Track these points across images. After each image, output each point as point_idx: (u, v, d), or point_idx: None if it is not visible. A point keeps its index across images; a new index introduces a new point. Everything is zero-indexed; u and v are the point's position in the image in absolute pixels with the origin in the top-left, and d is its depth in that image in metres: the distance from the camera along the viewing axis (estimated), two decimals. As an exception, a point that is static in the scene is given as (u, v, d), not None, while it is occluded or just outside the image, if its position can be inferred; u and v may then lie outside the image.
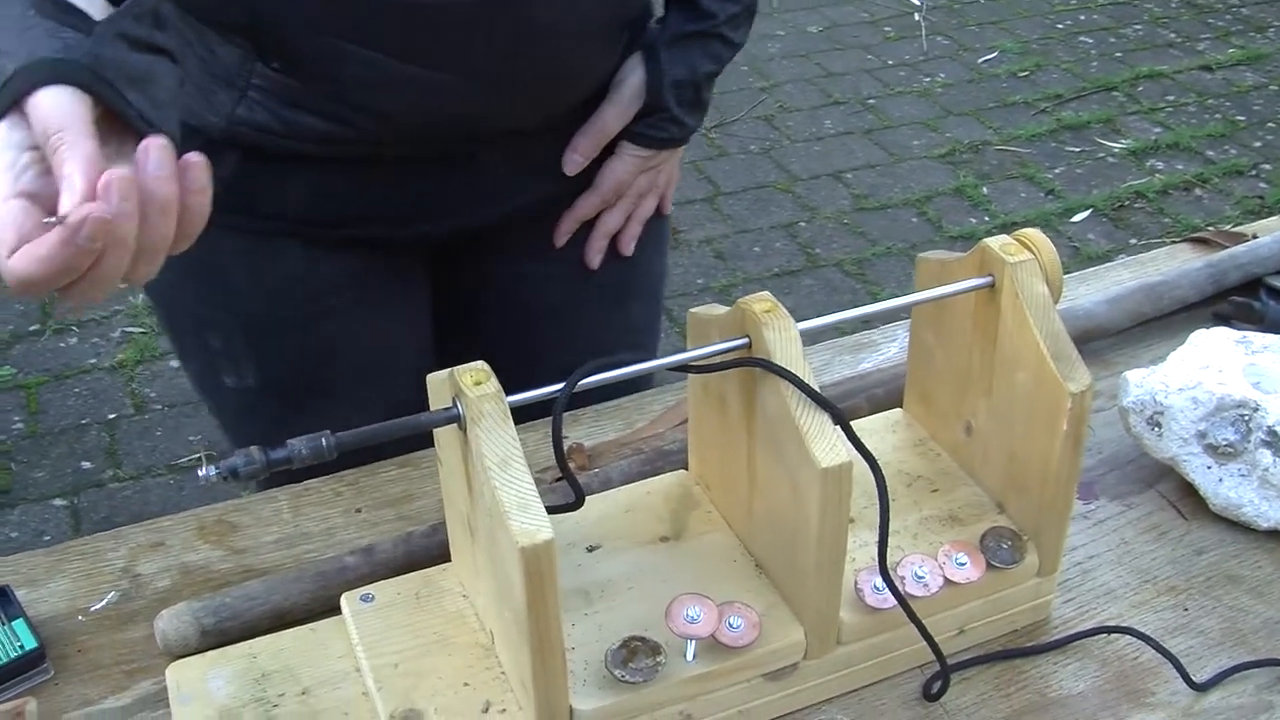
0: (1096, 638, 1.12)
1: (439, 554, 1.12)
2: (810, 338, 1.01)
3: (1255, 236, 1.63)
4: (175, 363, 3.53)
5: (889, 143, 4.82)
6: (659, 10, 1.47)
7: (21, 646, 1.07)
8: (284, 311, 1.43)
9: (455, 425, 0.91)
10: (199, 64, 1.28)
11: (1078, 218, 4.34)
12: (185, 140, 1.32)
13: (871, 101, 5.13)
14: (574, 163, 1.48)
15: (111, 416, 3.38)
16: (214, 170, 1.32)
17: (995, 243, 1.05)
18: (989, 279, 1.05)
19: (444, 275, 1.56)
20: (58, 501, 3.10)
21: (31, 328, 3.70)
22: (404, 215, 1.41)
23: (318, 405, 1.46)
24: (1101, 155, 4.74)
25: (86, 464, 3.22)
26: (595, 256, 1.54)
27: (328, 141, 1.29)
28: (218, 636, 1.08)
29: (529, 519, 0.84)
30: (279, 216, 1.38)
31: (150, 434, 3.30)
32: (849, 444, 0.93)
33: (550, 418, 0.93)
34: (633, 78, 1.45)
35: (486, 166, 1.39)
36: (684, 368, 1.00)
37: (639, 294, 1.63)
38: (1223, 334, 1.30)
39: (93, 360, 3.58)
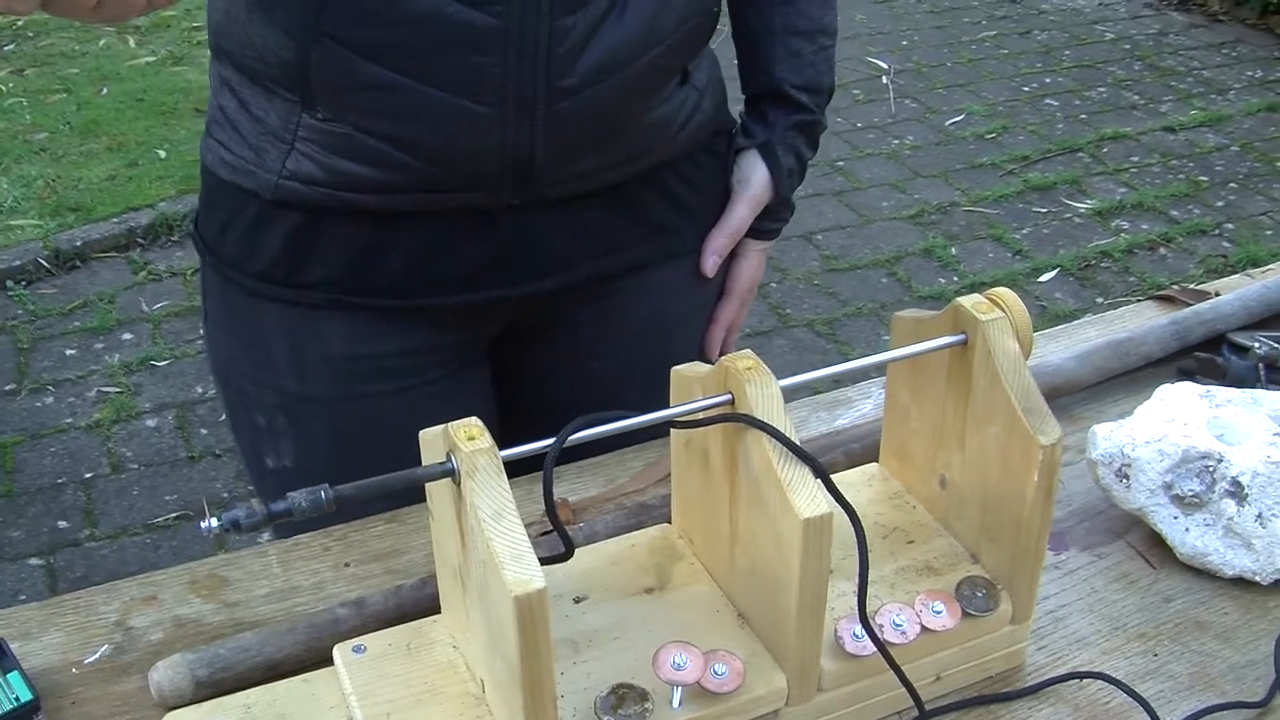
0: (1069, 683, 1.14)
1: (429, 606, 1.14)
2: (788, 395, 1.03)
3: (1218, 294, 1.66)
4: (151, 422, 3.55)
5: (858, 204, 4.86)
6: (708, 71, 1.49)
7: (17, 699, 1.08)
8: (321, 392, 1.44)
9: (449, 479, 0.93)
10: (254, 124, 1.32)
11: (1045, 277, 4.39)
12: (241, 206, 1.34)
13: (841, 164, 5.19)
14: (711, 263, 1.53)
15: (88, 476, 3.39)
16: (268, 236, 1.34)
17: (968, 301, 1.08)
18: (962, 336, 1.08)
19: (510, 367, 1.56)
20: (34, 561, 3.11)
21: (8, 386, 3.72)
22: (454, 280, 1.40)
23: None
24: (1068, 216, 4.80)
25: (63, 523, 3.22)
26: (718, 349, 1.62)
27: (374, 189, 1.31)
28: (212, 688, 1.09)
29: (522, 569, 0.86)
30: (325, 285, 1.38)
31: (127, 493, 3.31)
32: (829, 496, 0.96)
33: (536, 472, 0.95)
34: (757, 176, 1.52)
35: (541, 229, 1.38)
36: (670, 423, 1.02)
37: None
38: (1187, 389, 1.33)
39: (69, 419, 3.59)
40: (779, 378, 1.02)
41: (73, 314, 4.11)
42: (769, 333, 4.04)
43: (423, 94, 1.24)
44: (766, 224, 1.57)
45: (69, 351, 3.91)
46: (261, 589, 1.25)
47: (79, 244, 4.41)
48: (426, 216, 1.35)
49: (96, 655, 1.17)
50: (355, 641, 1.09)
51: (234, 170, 1.36)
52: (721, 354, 1.58)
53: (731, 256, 1.57)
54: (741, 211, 1.53)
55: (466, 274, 1.39)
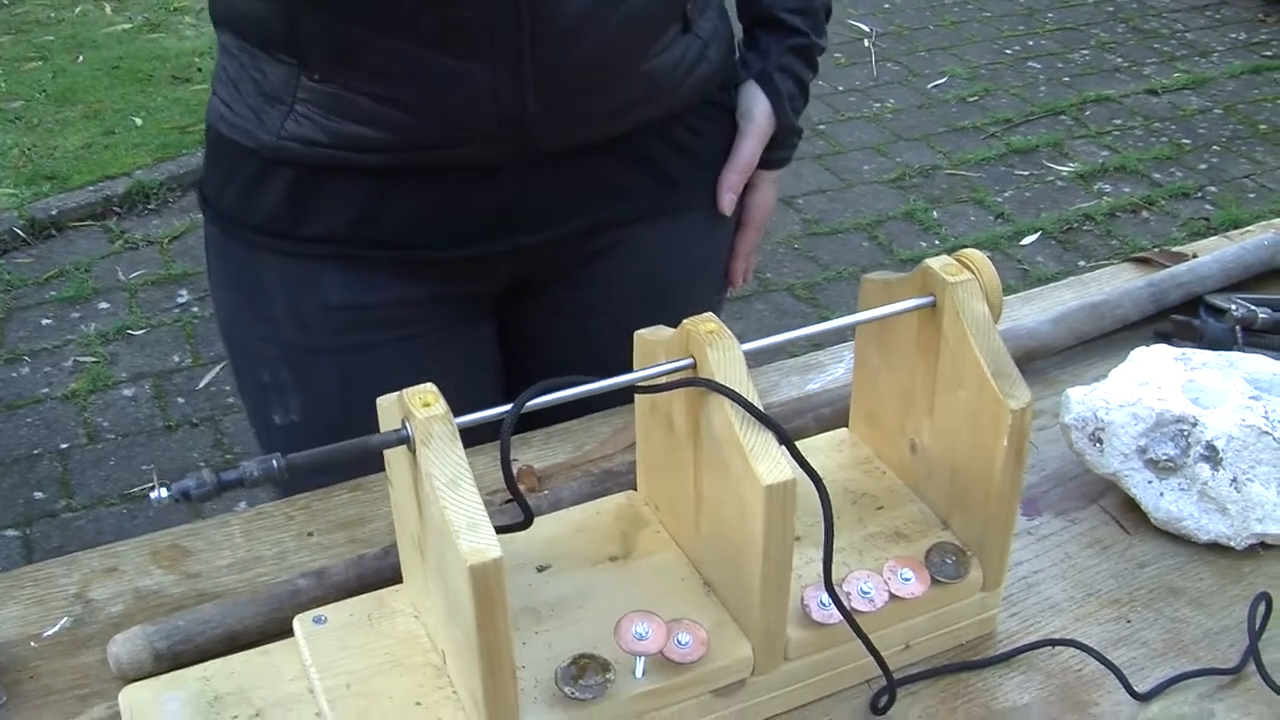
0: (1041, 650, 1.13)
1: (391, 576, 1.13)
2: (758, 359, 1.02)
3: (1195, 256, 1.65)
4: (128, 391, 3.53)
5: (839, 168, 4.85)
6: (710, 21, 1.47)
7: (-26, 673, 1.07)
8: (322, 341, 1.44)
9: (405, 447, 0.91)
10: (253, 85, 1.32)
11: (1027, 241, 4.38)
12: (240, 162, 1.34)
13: (822, 127, 5.17)
14: (728, 201, 1.53)
15: (64, 446, 3.37)
16: (267, 191, 1.34)
17: (936, 263, 1.06)
18: (930, 299, 1.06)
19: (512, 325, 1.56)
20: (10, 532, 3.09)
21: (-18, 358, 3.70)
22: (454, 233, 1.39)
23: None
24: (1050, 179, 4.79)
25: (39, 494, 3.21)
26: (740, 278, 1.65)
27: (374, 149, 1.30)
28: (171, 660, 1.08)
29: (477, 538, 0.85)
30: (326, 239, 1.38)
31: (103, 464, 3.30)
32: (793, 462, 0.95)
33: (500, 435, 0.93)
34: (758, 107, 1.51)
35: (543, 181, 1.38)
36: (632, 388, 1.01)
37: None
38: (1162, 351, 1.32)
39: (45, 390, 3.57)
40: (754, 340, 1.00)
41: (49, 283, 4.08)
42: (749, 297, 4.03)
43: (410, 53, 1.23)
44: (776, 153, 1.56)
45: (45, 321, 3.89)
46: (224, 559, 1.24)
47: (54, 213, 4.39)
48: (427, 173, 1.34)
49: (56, 628, 1.16)
50: (316, 612, 1.08)
51: (234, 128, 1.36)
52: (743, 282, 1.63)
53: (745, 188, 1.56)
54: (750, 146, 1.52)
55: (468, 228, 1.39)
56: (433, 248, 1.39)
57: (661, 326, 1.05)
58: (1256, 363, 1.30)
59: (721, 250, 1.62)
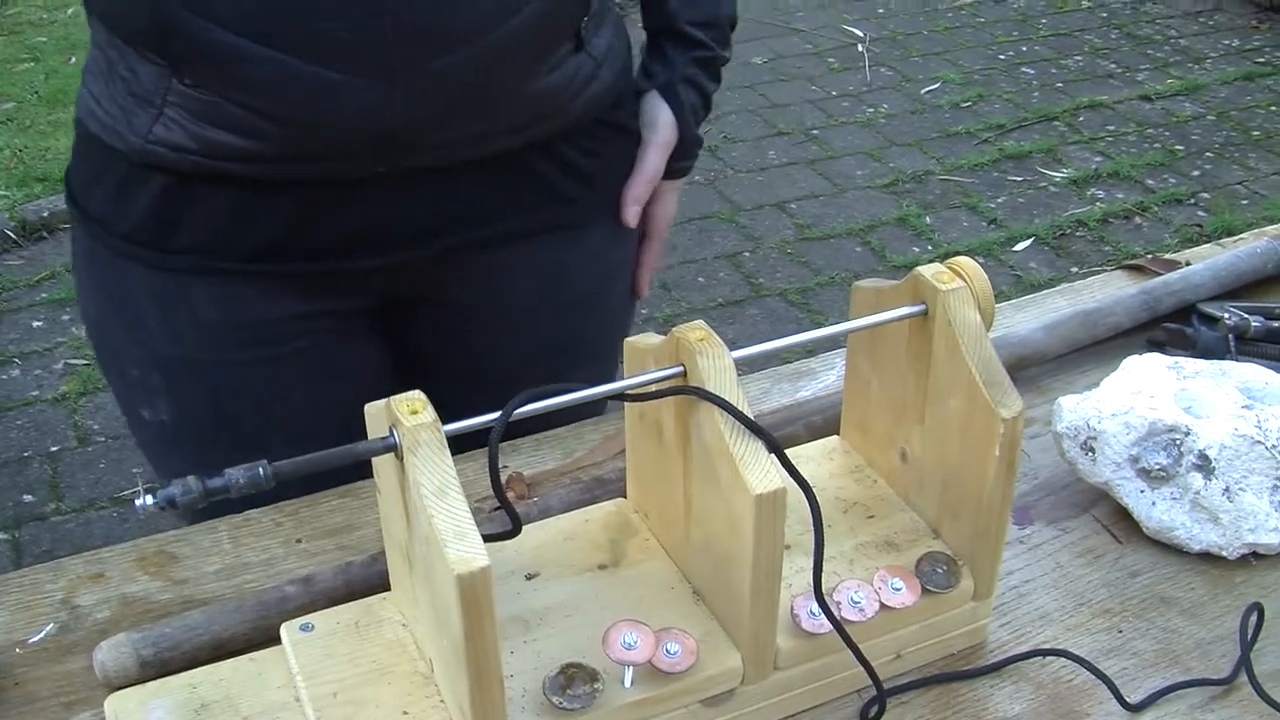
0: (1032, 660, 1.12)
1: (379, 583, 1.12)
2: (749, 366, 1.01)
3: (1189, 264, 1.65)
4: (118, 395, 3.51)
5: (832, 173, 4.85)
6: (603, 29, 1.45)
7: (-42, 680, 1.07)
8: (195, 355, 1.41)
9: (392, 454, 0.91)
10: (122, 84, 1.28)
11: (1020, 247, 4.38)
12: (108, 163, 1.32)
13: (815, 132, 5.17)
14: (633, 213, 1.52)
15: (54, 449, 3.36)
16: (134, 197, 1.32)
17: (928, 271, 1.06)
18: (922, 307, 1.06)
19: (409, 341, 1.54)
20: (-1, 535, 3.09)
21: (-28, 360, 3.69)
22: (322, 247, 1.36)
23: (235, 456, 1.44)
24: (1043, 185, 4.79)
25: (28, 497, 3.20)
26: (645, 289, 1.64)
27: (243, 159, 1.27)
28: (157, 667, 1.07)
29: (465, 547, 0.84)
30: (194, 250, 1.34)
31: (93, 466, 3.29)
32: (783, 470, 0.94)
33: (489, 443, 0.93)
34: (662, 118, 1.51)
35: (414, 198, 1.35)
36: (620, 396, 1.00)
37: (584, 357, 1.61)
38: (1155, 360, 1.31)
39: (35, 392, 3.56)
40: (745, 348, 1.00)
41: (40, 285, 4.07)
42: (742, 302, 4.03)
43: (281, 62, 1.20)
44: (678, 163, 1.55)
45: (35, 323, 3.88)
46: (211, 566, 1.23)
47: (46, 215, 4.37)
48: (295, 184, 1.31)
49: (41, 634, 1.15)
50: (303, 620, 1.07)
51: (103, 126, 1.32)
52: (645, 289, 1.64)
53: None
54: (654, 157, 1.51)
55: (336, 242, 1.36)
56: (301, 261, 1.36)
57: (651, 334, 1.05)
58: (1249, 371, 1.30)
59: (627, 264, 1.60)
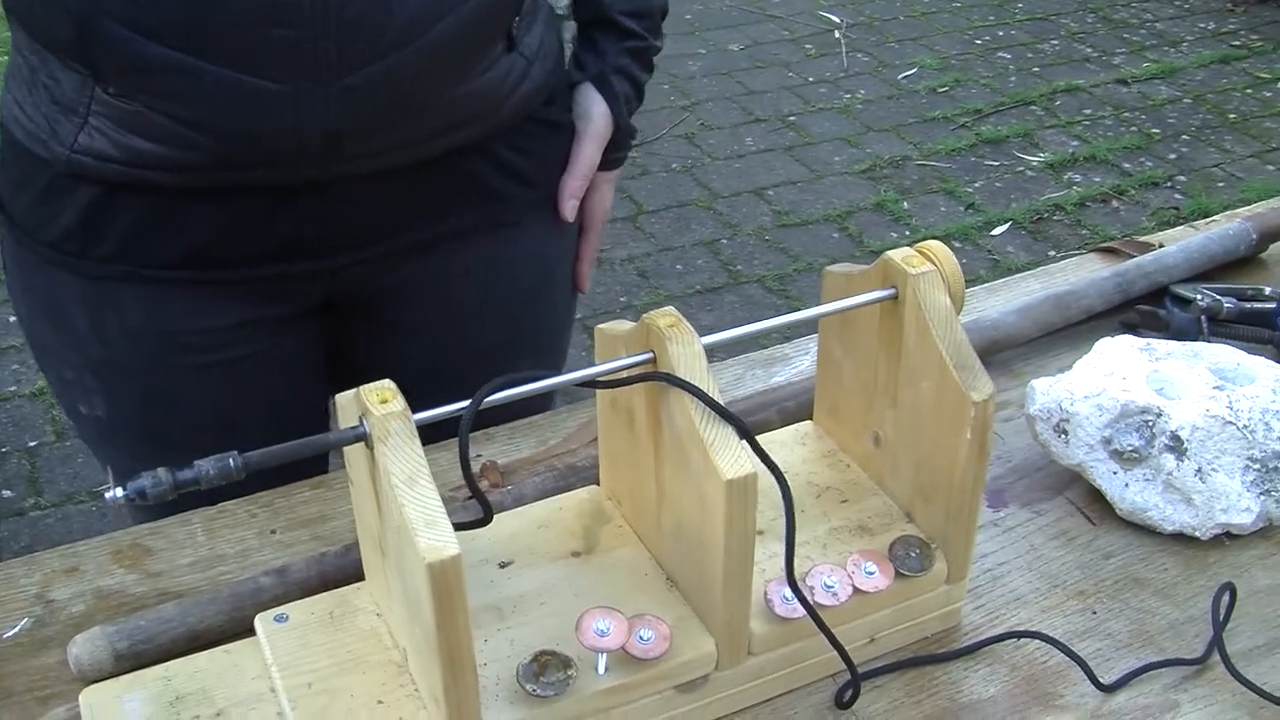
0: (1006, 643, 1.13)
1: (353, 573, 1.12)
2: (723, 352, 1.02)
3: (1162, 245, 1.65)
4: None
5: (810, 159, 4.85)
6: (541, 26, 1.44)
7: (-68, 675, 1.07)
8: (126, 360, 1.40)
9: (363, 444, 0.91)
10: (45, 92, 1.26)
11: (997, 231, 4.38)
12: (34, 171, 1.31)
13: (792, 118, 5.17)
14: (570, 207, 1.51)
15: (32, 444, 3.35)
16: (61, 207, 1.31)
17: (897, 255, 1.06)
18: (892, 291, 1.06)
19: (349, 344, 1.53)
20: (-23, 531, 3.08)
21: (-50, 356, 3.67)
22: (255, 253, 1.34)
23: (168, 450, 1.43)
24: (1020, 169, 4.79)
25: (7, 492, 3.19)
26: (586, 282, 1.63)
27: (170, 168, 1.25)
28: (132, 660, 1.07)
29: (436, 535, 0.84)
30: (122, 259, 1.33)
31: (72, 461, 3.28)
32: (754, 456, 0.94)
33: (459, 432, 0.93)
34: (596, 109, 1.50)
35: (348, 204, 1.33)
36: (591, 383, 1.00)
37: (529, 352, 1.61)
38: (1127, 342, 1.32)
39: (13, 388, 3.55)
40: (715, 333, 1.00)
41: (16, 279, 4.05)
42: (720, 289, 4.03)
43: (210, 72, 1.18)
44: (613, 154, 1.55)
45: (11, 318, 3.86)
46: (186, 558, 1.23)
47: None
48: (226, 192, 1.29)
49: (15, 629, 1.15)
50: (277, 610, 1.07)
51: (28, 134, 1.30)
52: (585, 281, 1.64)
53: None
54: (589, 149, 1.50)
55: (268, 249, 1.34)
56: (233, 268, 1.35)
57: (623, 320, 1.05)
58: (1221, 353, 1.30)
59: (567, 257, 1.60)
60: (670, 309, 0.99)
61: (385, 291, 1.46)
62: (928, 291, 1.04)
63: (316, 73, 1.20)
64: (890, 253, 1.06)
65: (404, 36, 1.22)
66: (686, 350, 0.96)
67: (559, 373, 0.97)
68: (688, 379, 0.95)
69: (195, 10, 1.15)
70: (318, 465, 1.33)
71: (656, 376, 0.97)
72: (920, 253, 1.06)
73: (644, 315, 0.98)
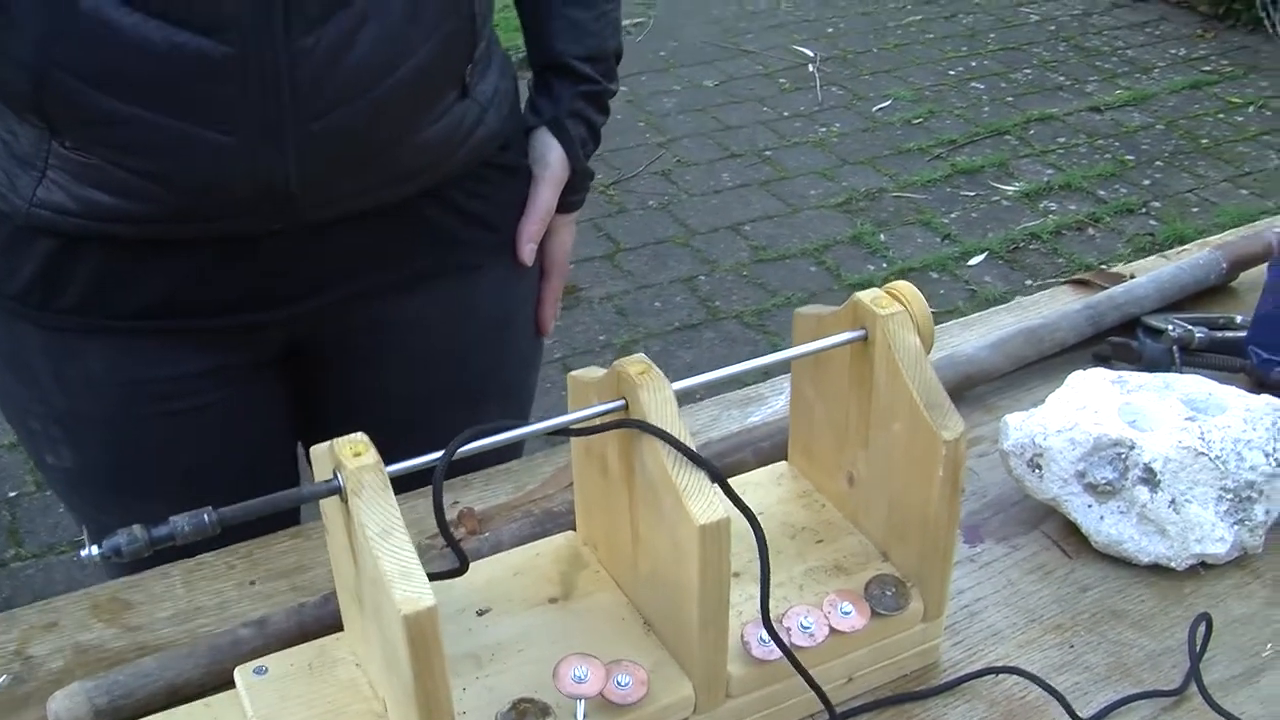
0: (985, 678, 1.13)
1: (332, 624, 1.12)
2: (690, 395, 1.02)
3: (1133, 276, 1.66)
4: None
5: (786, 193, 4.86)
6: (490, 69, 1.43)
7: (-88, 735, 1.06)
8: (91, 412, 1.41)
9: (337, 497, 0.91)
10: (3, 146, 1.27)
11: (974, 261, 4.40)
12: None
13: (768, 153, 5.19)
14: (528, 251, 1.51)
15: (12, 494, 3.34)
16: (21, 260, 1.30)
17: (867, 296, 1.07)
18: (862, 332, 1.07)
19: (308, 389, 1.53)
20: (-42, 583, 3.07)
21: (-71, 408, 3.66)
22: (215, 302, 1.35)
23: (137, 499, 1.44)
24: (996, 198, 4.81)
25: (-12, 543, 3.19)
26: (550, 325, 1.64)
27: (130, 220, 1.26)
28: (112, 715, 1.07)
29: (411, 587, 0.85)
30: (84, 311, 1.33)
31: (52, 511, 3.27)
32: (727, 500, 0.95)
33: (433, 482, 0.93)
34: (552, 154, 1.51)
35: (306, 252, 1.34)
36: (563, 431, 1.01)
37: (494, 395, 1.60)
38: (1099, 375, 1.32)
39: (-8, 439, 3.54)
40: (701, 373, 1.01)
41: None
42: (698, 325, 4.03)
43: (165, 126, 1.19)
44: (570, 197, 1.56)
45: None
46: (165, 611, 1.23)
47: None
48: (185, 244, 1.30)
49: (-5, 686, 1.15)
50: (257, 663, 1.07)
51: None
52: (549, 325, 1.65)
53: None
54: (546, 193, 1.51)
55: (230, 298, 1.35)
56: (196, 316, 1.36)
57: (594, 368, 1.05)
58: (1192, 384, 1.31)
59: (528, 300, 1.60)
60: (640, 356, 1.00)
61: (347, 336, 1.46)
62: (897, 332, 1.05)
63: (268, 126, 1.21)
64: (859, 294, 1.07)
65: (356, 88, 1.23)
66: (657, 397, 0.96)
67: (527, 417, 0.98)
68: (659, 425, 0.95)
69: (142, 64, 1.16)
70: (291, 514, 1.33)
71: (628, 424, 0.97)
72: (889, 293, 1.07)
73: (615, 362, 0.99)
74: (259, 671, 1.06)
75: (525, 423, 0.97)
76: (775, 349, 1.16)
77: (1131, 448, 1.23)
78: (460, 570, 1.00)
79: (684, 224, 4.64)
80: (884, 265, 4.35)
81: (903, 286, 1.08)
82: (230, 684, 1.07)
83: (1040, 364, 1.53)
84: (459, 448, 0.93)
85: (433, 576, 0.86)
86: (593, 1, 1.50)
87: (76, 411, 1.41)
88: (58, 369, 1.38)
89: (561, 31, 1.50)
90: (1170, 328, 1.50)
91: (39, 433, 1.45)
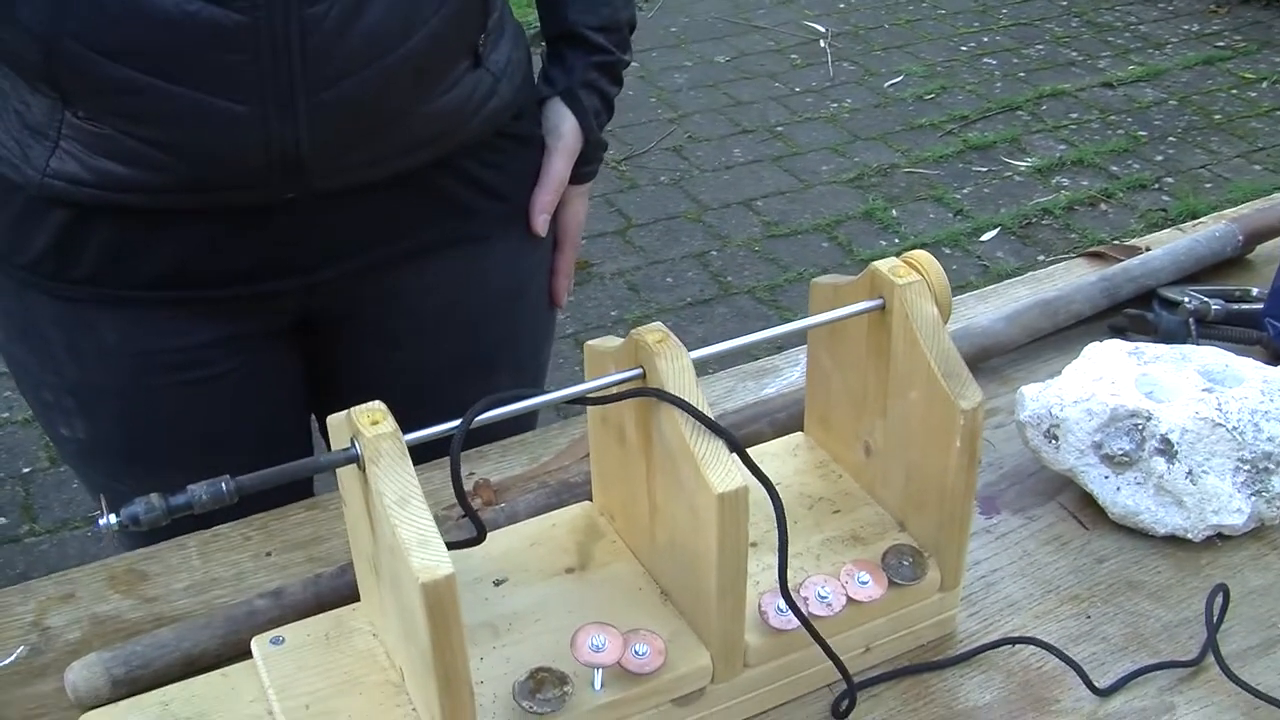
0: (1001, 649, 1.13)
1: (348, 594, 1.13)
2: (715, 364, 1.02)
3: (1148, 249, 1.66)
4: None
5: (798, 169, 4.86)
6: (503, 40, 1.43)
7: (-70, 705, 1.07)
8: (104, 382, 1.41)
9: (355, 466, 0.91)
10: (16, 117, 1.27)
11: (986, 236, 4.39)
12: (6, 195, 1.31)
13: (780, 129, 5.18)
14: (542, 221, 1.52)
15: (26, 470, 3.35)
16: (35, 231, 1.31)
17: (884, 265, 1.06)
18: (879, 301, 1.07)
19: (320, 358, 1.54)
20: (-28, 558, 3.08)
21: (-58, 384, 3.67)
22: (229, 272, 1.36)
23: (150, 470, 1.45)
24: (1008, 174, 4.80)
25: (1, 519, 3.19)
26: (564, 296, 1.65)
27: (141, 190, 1.26)
28: (129, 686, 1.07)
29: (429, 555, 0.85)
30: (97, 281, 1.34)
31: (66, 487, 3.27)
32: (744, 469, 0.94)
33: (450, 451, 0.93)
34: (565, 124, 1.51)
35: (320, 221, 1.34)
36: (580, 400, 1.01)
37: (506, 366, 1.61)
38: (1115, 346, 1.32)
39: (5, 414, 3.54)
40: (703, 348, 1.00)
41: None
42: (710, 301, 4.03)
43: (177, 95, 1.19)
44: (583, 168, 1.56)
45: (3, 344, 3.86)
46: (181, 582, 1.23)
47: None
48: (198, 214, 1.30)
49: (12, 657, 1.15)
50: (273, 633, 1.08)
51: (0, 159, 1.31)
52: (563, 297, 1.66)
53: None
54: (559, 164, 1.51)
55: (244, 267, 1.35)
56: (208, 287, 1.36)
57: (612, 337, 1.05)
58: (1209, 355, 1.31)
59: (540, 271, 1.60)
60: (658, 324, 0.99)
61: (359, 306, 1.46)
62: (915, 301, 1.04)
63: (280, 94, 1.21)
64: (877, 263, 1.07)
65: (368, 57, 1.23)
66: (675, 365, 0.96)
67: (541, 387, 0.98)
68: (677, 394, 0.95)
69: (154, 33, 1.16)
70: (305, 485, 1.33)
71: (646, 392, 0.97)
72: (906, 263, 1.07)
73: (632, 331, 0.99)
74: (276, 642, 1.06)
75: (543, 391, 0.96)
76: (786, 324, 1.15)
77: (1148, 419, 1.23)
78: (478, 540, 1.00)
79: (696, 199, 4.64)
80: (896, 241, 4.35)
81: (920, 256, 1.07)
82: (247, 654, 1.07)
83: (1055, 336, 1.53)
84: (476, 415, 0.93)
85: (450, 546, 0.86)
86: None
87: (89, 382, 1.41)
88: (70, 340, 1.38)
89: (575, 1, 1.50)
90: (1186, 300, 1.50)
91: (52, 404, 1.45)
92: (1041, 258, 4.22)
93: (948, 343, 1.04)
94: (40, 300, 1.37)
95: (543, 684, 0.98)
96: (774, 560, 0.99)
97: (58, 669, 1.11)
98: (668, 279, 4.15)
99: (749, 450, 0.97)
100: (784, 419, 1.33)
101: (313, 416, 1.60)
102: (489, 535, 1.04)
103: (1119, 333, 1.52)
